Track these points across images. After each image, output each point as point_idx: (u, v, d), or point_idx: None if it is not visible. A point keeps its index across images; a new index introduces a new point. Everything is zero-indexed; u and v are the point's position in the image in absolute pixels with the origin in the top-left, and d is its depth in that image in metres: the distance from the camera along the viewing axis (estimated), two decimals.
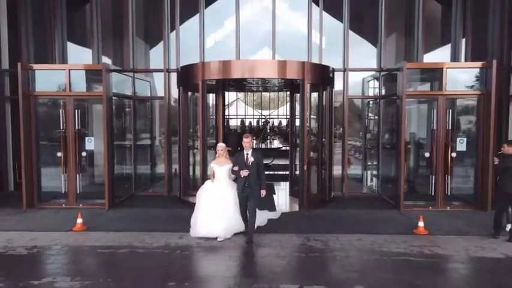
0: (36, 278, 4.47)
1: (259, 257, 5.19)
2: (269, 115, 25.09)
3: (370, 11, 9.37)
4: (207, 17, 9.29)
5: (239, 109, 23.63)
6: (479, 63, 7.65)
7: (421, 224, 6.20)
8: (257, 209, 5.97)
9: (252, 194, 5.72)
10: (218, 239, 5.69)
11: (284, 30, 9.50)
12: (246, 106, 24.40)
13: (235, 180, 6.01)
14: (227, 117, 15.56)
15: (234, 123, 22.29)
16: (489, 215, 6.67)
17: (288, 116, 14.28)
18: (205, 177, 7.25)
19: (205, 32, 9.25)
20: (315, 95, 8.53)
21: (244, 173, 5.62)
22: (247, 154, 5.75)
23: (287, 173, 10.20)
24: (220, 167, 6.00)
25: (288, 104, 12.73)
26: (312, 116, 8.58)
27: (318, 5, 9.05)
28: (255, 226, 5.85)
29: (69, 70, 7.88)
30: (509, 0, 8.71)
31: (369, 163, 9.73)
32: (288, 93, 11.02)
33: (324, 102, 8.45)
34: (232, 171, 5.85)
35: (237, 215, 5.90)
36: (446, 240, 5.84)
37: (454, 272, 4.79)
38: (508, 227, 6.18)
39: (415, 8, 9.00)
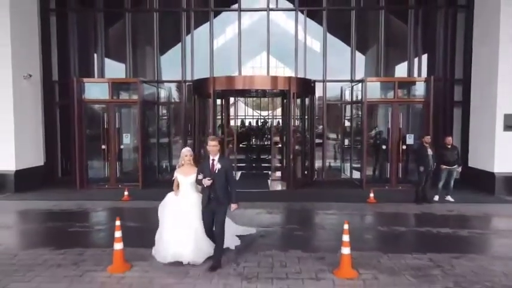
0: (110, 222, 6.93)
1: (254, 213, 7.62)
2: (267, 115, 27.49)
3: (346, 33, 11.80)
4: (216, 28, 11.75)
5: (240, 110, 25.98)
6: (422, 78, 10.13)
7: (371, 195, 8.66)
8: (231, 225, 5.54)
9: (218, 208, 4.80)
10: (187, 262, 4.81)
11: (278, 36, 11.91)
12: (246, 107, 26.79)
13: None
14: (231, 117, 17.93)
15: (233, 123, 24.59)
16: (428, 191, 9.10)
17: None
18: None
19: (213, 43, 11.72)
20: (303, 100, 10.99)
21: (206, 181, 4.70)
22: (213, 160, 4.82)
23: (279, 165, 12.64)
24: (186, 177, 5.03)
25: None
26: (301, 118, 11.05)
27: (304, 17, 11.51)
28: (224, 247, 5.02)
29: (111, 82, 10.35)
30: (451, 27, 11.16)
31: (345, 156, 12.16)
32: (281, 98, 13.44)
33: (306, 107, 10.92)
34: (197, 181, 4.91)
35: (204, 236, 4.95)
36: (387, 205, 8.31)
37: (380, 219, 7.26)
38: (436, 198, 8.69)
39: (379, 28, 11.45)
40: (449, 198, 8.72)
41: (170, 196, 5.17)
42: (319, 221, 7.19)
